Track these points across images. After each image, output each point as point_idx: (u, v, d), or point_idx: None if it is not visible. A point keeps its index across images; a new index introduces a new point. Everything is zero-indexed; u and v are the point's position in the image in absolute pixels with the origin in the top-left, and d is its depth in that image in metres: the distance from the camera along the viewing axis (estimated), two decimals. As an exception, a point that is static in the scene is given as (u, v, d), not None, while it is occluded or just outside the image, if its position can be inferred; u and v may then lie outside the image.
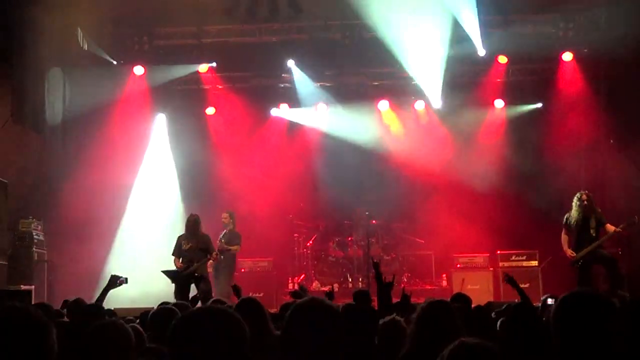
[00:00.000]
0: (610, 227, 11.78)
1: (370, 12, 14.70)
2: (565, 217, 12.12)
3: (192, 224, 12.78)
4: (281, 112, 17.21)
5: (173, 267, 12.60)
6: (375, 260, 7.33)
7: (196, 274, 12.47)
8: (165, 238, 14.03)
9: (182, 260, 12.59)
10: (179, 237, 12.83)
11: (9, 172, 13.26)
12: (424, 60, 15.66)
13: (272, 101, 17.13)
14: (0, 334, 2.61)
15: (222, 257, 13.57)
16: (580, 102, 15.82)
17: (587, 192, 12.09)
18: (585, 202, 11.87)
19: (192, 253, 12.55)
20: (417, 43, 15.25)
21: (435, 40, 15.31)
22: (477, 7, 14.88)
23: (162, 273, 12.52)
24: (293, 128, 17.24)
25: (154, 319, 5.47)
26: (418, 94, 16.60)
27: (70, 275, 14.34)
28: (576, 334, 3.04)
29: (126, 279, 11.70)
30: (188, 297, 11.77)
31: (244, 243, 14.28)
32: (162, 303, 7.17)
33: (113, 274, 8.44)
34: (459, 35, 15.31)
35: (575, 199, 12.01)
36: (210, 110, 17.12)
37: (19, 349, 2.59)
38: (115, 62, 16.09)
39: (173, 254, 12.73)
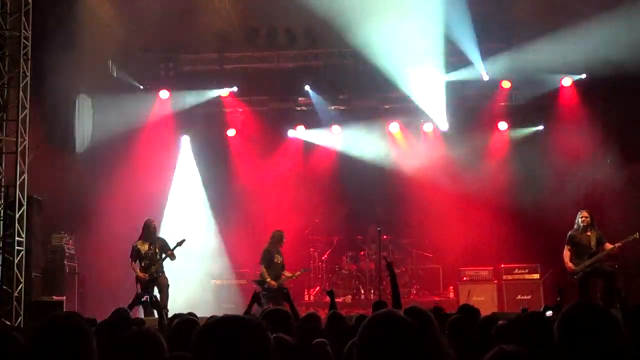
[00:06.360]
0: (609, 245, 12.34)
1: (373, 41, 15.44)
2: (569, 233, 12.66)
3: (147, 228, 13.20)
4: (298, 133, 18.01)
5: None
6: (389, 260, 7.54)
7: (155, 276, 12.73)
8: (192, 252, 14.70)
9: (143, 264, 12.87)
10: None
11: (43, 190, 13.89)
12: (430, 86, 16.55)
13: (289, 123, 17.93)
14: (55, 337, 3.13)
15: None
16: (580, 124, 16.40)
17: (589, 211, 12.62)
18: (587, 220, 12.46)
19: (152, 256, 12.92)
20: (421, 70, 16.17)
21: (440, 67, 16.23)
22: (481, 34, 15.88)
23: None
24: (309, 149, 18.00)
25: (175, 328, 5.44)
26: (426, 117, 17.39)
27: (99, 287, 15.03)
28: (580, 345, 3.03)
29: (149, 297, 12.39)
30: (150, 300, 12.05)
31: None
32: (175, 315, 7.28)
33: (138, 292, 9.01)
34: (465, 62, 16.28)
35: (578, 217, 12.58)
36: (231, 132, 17.94)
37: (69, 349, 3.12)
38: (142, 88, 16.99)
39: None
